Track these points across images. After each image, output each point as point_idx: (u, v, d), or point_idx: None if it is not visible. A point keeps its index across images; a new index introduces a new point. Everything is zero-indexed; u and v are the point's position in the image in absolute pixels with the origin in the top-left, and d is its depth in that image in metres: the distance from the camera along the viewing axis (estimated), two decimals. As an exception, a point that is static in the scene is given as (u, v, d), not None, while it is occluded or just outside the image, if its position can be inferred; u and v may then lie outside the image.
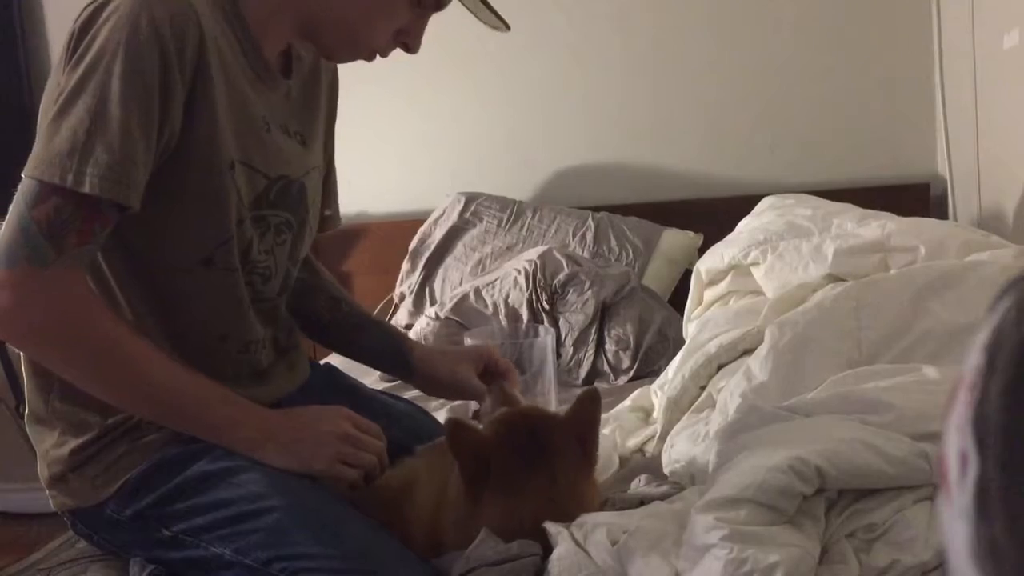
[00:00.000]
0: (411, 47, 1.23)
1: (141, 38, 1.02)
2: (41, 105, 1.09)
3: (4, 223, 1.03)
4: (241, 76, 1.15)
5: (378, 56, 1.23)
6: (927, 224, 1.86)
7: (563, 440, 1.10)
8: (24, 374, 1.19)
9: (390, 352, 1.44)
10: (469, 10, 1.21)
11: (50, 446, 1.16)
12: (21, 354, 1.17)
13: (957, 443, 0.38)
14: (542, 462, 1.08)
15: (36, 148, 1.02)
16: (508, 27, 1.25)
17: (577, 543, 0.99)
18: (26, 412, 1.19)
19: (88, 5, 1.06)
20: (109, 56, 1.01)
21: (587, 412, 1.13)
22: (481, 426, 1.17)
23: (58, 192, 1.00)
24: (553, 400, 1.59)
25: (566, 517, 1.04)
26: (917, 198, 2.57)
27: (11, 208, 1.03)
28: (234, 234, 1.16)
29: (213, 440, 1.12)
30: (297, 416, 1.17)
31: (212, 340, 1.20)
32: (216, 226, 1.14)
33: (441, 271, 2.62)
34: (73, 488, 1.15)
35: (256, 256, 1.21)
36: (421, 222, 2.72)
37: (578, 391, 1.39)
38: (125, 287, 1.14)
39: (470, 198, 2.69)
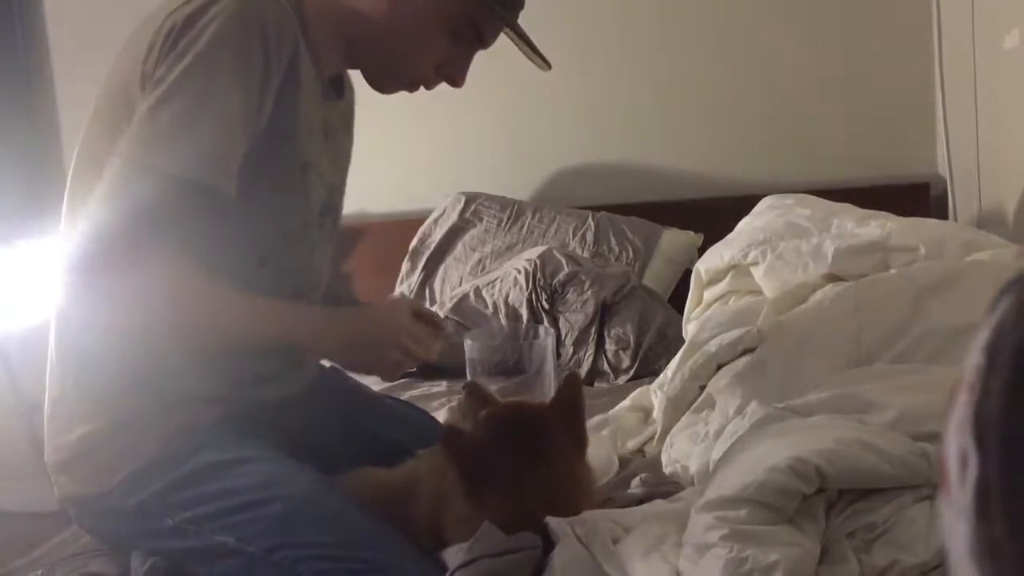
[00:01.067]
0: (456, 81, 1.28)
1: (250, 37, 1.05)
2: (107, 95, 1.11)
3: (94, 200, 1.04)
4: (316, 86, 1.19)
5: (423, 88, 1.29)
6: (927, 224, 1.86)
7: (552, 427, 1.11)
8: (49, 362, 1.20)
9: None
10: (517, 47, 1.28)
11: (60, 431, 1.17)
12: (53, 336, 1.18)
13: (957, 443, 0.38)
14: (536, 452, 1.09)
15: (132, 133, 1.03)
16: (550, 66, 1.30)
17: (579, 539, 0.99)
18: (46, 397, 1.20)
19: (184, 3, 1.07)
20: (218, 51, 1.04)
21: (571, 396, 1.14)
22: (468, 424, 1.18)
23: (158, 174, 1.02)
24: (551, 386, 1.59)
25: (567, 501, 1.06)
26: (917, 198, 2.57)
27: (102, 186, 1.03)
28: (296, 234, 1.19)
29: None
30: (367, 317, 1.25)
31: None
32: (281, 225, 1.17)
33: (441, 271, 2.62)
34: (79, 474, 1.16)
35: (317, 263, 1.26)
36: (421, 222, 2.72)
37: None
38: None
39: (470, 198, 2.69)
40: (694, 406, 1.51)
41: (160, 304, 1.07)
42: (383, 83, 1.29)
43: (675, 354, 1.69)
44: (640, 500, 1.21)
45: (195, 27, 1.05)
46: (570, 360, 2.14)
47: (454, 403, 1.88)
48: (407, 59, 1.25)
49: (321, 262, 1.28)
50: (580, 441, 1.14)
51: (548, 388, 1.57)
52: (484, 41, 1.26)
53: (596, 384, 2.11)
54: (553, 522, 1.02)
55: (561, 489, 1.08)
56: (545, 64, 1.31)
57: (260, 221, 1.14)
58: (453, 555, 1.03)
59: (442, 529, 1.09)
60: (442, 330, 1.32)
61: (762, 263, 1.80)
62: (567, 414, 1.13)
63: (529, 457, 1.08)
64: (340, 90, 1.31)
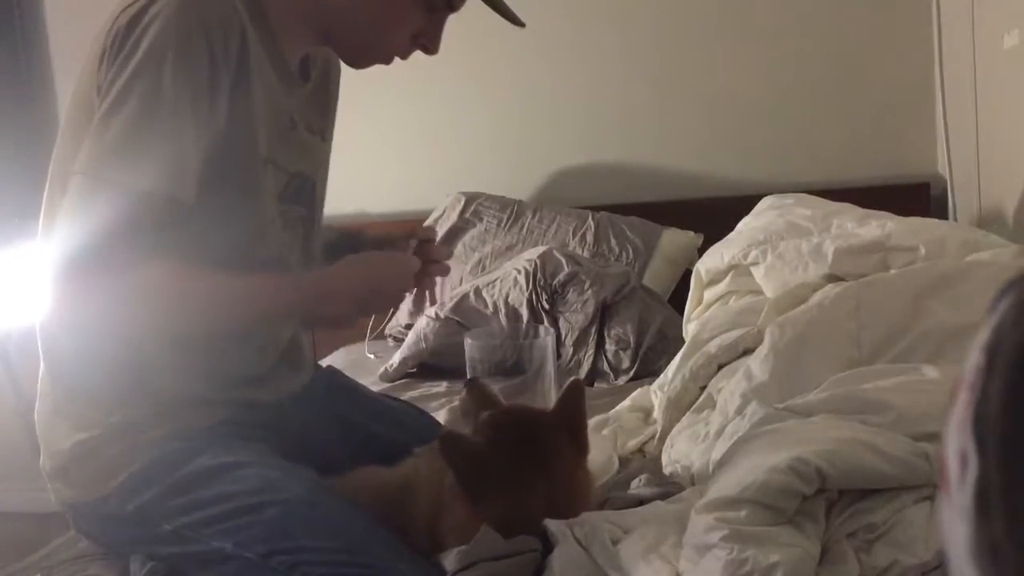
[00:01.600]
0: (430, 49, 1.24)
1: (191, 36, 1.03)
2: (74, 104, 1.10)
3: (60, 219, 1.03)
4: (271, 75, 1.16)
5: (398, 59, 1.25)
6: (927, 224, 1.86)
7: (553, 434, 1.10)
8: (40, 370, 1.20)
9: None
10: (488, 4, 1.21)
11: (54, 439, 1.17)
12: (40, 345, 1.18)
13: (957, 443, 0.38)
14: (536, 459, 1.08)
15: (87, 145, 1.02)
16: (523, 24, 1.25)
17: (578, 541, 0.99)
18: (36, 405, 1.20)
19: (129, 5, 1.06)
20: (160, 53, 1.02)
21: (573, 404, 1.14)
22: (468, 424, 1.17)
23: (114, 188, 1.01)
24: (554, 400, 1.59)
25: (566, 509, 1.05)
26: (917, 198, 2.57)
27: (66, 203, 1.03)
28: (267, 230, 1.18)
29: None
30: (368, 270, 1.21)
31: (233, 341, 1.20)
32: (251, 222, 1.16)
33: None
34: (75, 481, 1.16)
35: (288, 254, 1.24)
36: (421, 222, 2.71)
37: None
38: None
39: (470, 198, 2.69)
40: (694, 406, 1.51)
41: (151, 306, 1.06)
42: (358, 60, 1.26)
43: (675, 354, 1.69)
44: (640, 501, 1.20)
45: (136, 30, 1.03)
46: (570, 360, 2.14)
47: (455, 403, 1.88)
48: (382, 35, 1.21)
49: (291, 253, 1.26)
50: (581, 449, 1.13)
51: (548, 388, 1.57)
52: (454, 6, 1.22)
53: (596, 384, 2.11)
54: (552, 524, 1.01)
55: (560, 496, 1.07)
56: (520, 21, 1.25)
57: (225, 222, 1.13)
58: (451, 559, 1.03)
59: (440, 532, 1.09)
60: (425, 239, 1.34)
61: (762, 263, 1.80)
62: (569, 421, 1.12)
63: (529, 463, 1.07)
64: (306, 72, 1.28)
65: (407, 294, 1.26)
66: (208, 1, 1.06)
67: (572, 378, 1.18)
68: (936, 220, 2.08)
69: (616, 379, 2.11)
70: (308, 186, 1.27)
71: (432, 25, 1.22)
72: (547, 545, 1.01)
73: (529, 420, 1.13)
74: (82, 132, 1.07)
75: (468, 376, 1.59)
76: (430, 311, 2.34)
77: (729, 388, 1.40)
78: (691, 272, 2.02)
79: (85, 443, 1.14)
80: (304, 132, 1.25)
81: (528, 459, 1.08)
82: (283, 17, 1.17)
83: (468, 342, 1.61)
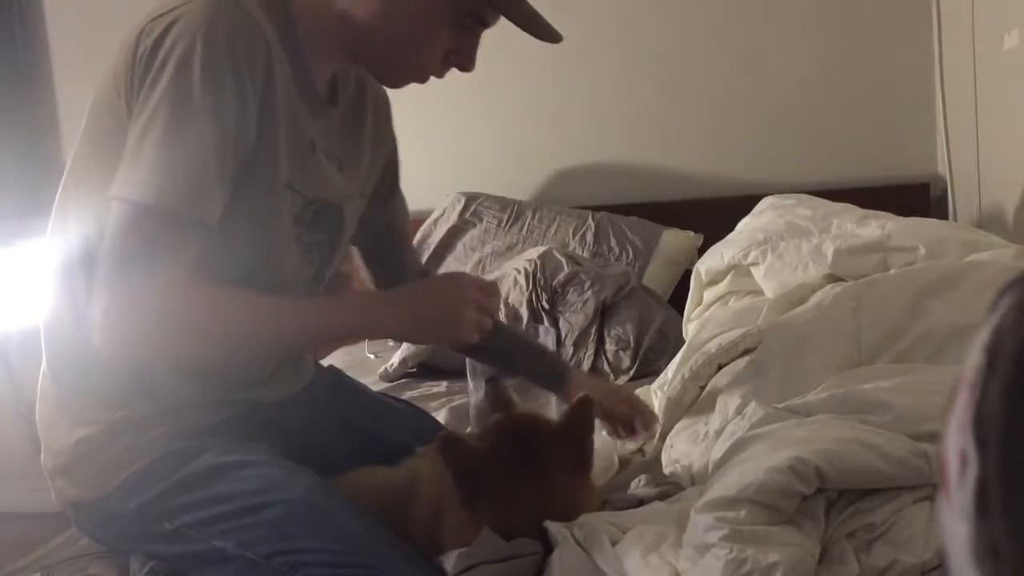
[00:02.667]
0: (465, 66, 1.22)
1: (216, 56, 1.02)
2: (96, 110, 1.11)
3: (100, 244, 1.04)
4: (295, 97, 1.15)
5: (433, 78, 1.23)
6: (927, 224, 1.86)
7: (558, 447, 1.10)
8: (42, 368, 1.20)
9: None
10: (521, 28, 1.18)
11: (56, 436, 1.17)
12: (44, 340, 1.18)
13: (957, 443, 0.38)
14: (536, 470, 1.07)
15: (122, 170, 1.02)
16: (561, 37, 1.21)
17: (578, 542, 0.99)
18: (37, 403, 1.20)
19: (155, 19, 1.05)
20: (186, 74, 1.01)
21: (582, 418, 1.13)
22: (474, 427, 1.17)
23: (147, 212, 1.01)
24: (553, 401, 1.59)
25: (563, 519, 1.04)
26: (917, 198, 2.57)
27: (106, 229, 1.03)
28: (284, 253, 1.17)
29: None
30: (427, 287, 1.22)
31: None
32: (267, 244, 1.15)
33: (441, 271, 2.62)
34: (77, 478, 1.16)
35: (301, 277, 1.23)
36: (421, 222, 2.71)
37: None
38: None
39: (470, 198, 2.69)
40: (694, 406, 1.51)
41: (191, 327, 1.06)
42: (390, 79, 1.25)
43: (675, 354, 1.69)
44: (640, 501, 1.21)
45: (161, 51, 1.03)
46: (570, 360, 2.14)
47: (455, 403, 1.88)
48: (410, 57, 1.19)
49: (301, 277, 1.24)
50: (585, 464, 1.13)
51: (548, 388, 1.57)
52: (487, 23, 1.19)
53: (596, 384, 2.11)
54: (552, 526, 1.01)
55: (557, 510, 1.06)
56: (556, 36, 1.21)
57: (242, 243, 1.12)
58: (452, 561, 1.02)
59: (441, 533, 1.09)
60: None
61: (762, 263, 1.80)
62: (575, 436, 1.12)
63: (525, 473, 1.07)
64: (335, 95, 1.26)
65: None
66: (233, 19, 1.04)
67: (583, 393, 1.17)
68: (936, 220, 2.09)
69: (616, 379, 2.12)
70: (331, 212, 1.24)
71: (465, 42, 1.20)
72: (547, 547, 1.01)
73: (534, 430, 1.12)
74: (100, 143, 1.08)
75: (468, 376, 1.59)
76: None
77: (729, 388, 1.40)
78: (691, 272, 2.02)
79: (87, 440, 1.14)
80: (322, 157, 1.21)
81: (525, 469, 1.07)
82: (311, 34, 1.16)
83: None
